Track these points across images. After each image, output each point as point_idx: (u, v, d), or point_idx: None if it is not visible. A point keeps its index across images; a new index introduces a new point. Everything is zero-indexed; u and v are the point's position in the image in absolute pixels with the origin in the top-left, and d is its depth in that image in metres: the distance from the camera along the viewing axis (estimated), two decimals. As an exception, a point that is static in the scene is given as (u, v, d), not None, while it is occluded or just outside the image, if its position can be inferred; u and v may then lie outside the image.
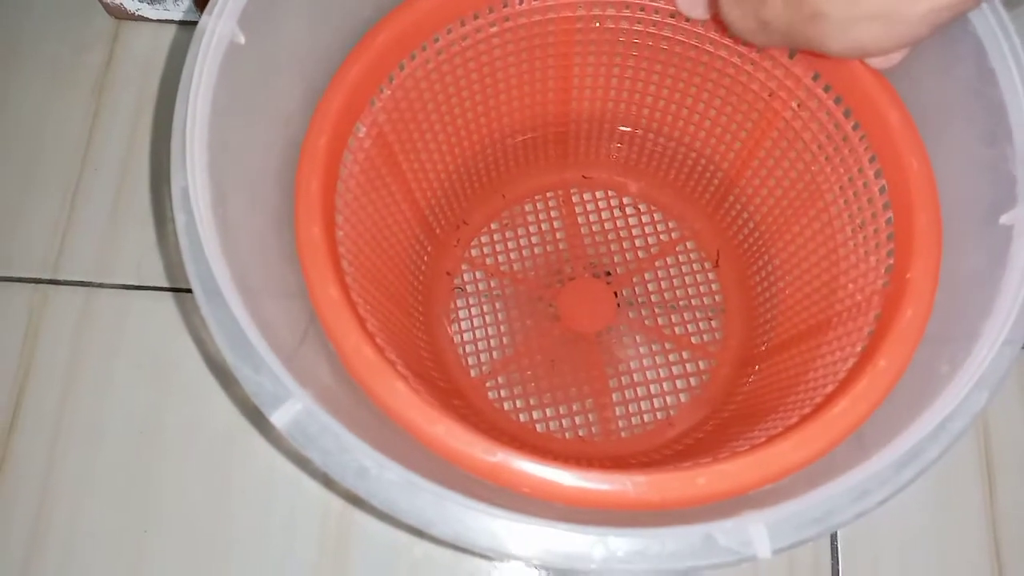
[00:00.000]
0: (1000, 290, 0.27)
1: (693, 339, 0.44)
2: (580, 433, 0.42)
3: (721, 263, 0.45)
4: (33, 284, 0.45)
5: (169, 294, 0.45)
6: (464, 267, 0.46)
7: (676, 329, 0.44)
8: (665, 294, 0.45)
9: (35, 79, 0.50)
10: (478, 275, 0.45)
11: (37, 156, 0.48)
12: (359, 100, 0.33)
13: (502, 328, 0.44)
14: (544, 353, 0.44)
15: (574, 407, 0.42)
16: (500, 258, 0.46)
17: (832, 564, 0.39)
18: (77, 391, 0.43)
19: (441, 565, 0.40)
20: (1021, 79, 0.28)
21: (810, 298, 0.38)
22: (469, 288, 0.45)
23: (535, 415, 0.42)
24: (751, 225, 0.43)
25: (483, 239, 0.46)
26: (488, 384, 0.43)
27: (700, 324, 0.44)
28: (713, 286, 0.45)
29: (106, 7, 0.50)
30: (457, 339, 0.44)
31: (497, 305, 0.45)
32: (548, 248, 0.46)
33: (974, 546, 0.40)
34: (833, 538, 0.40)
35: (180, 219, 0.26)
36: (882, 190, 0.32)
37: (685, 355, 0.43)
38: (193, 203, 0.26)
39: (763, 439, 0.28)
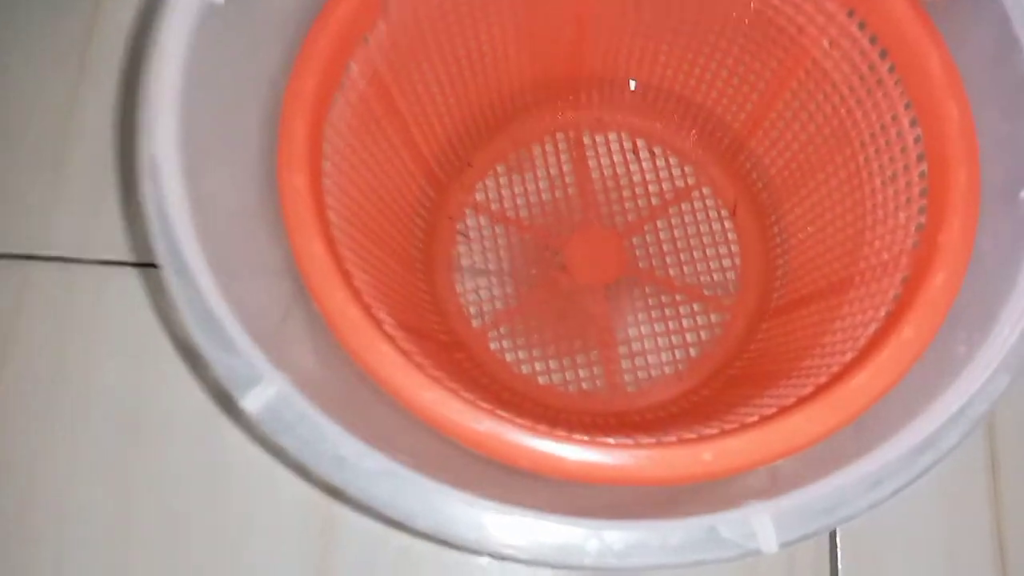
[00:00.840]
0: (1021, 268, 0.25)
1: (706, 291, 0.42)
2: (584, 386, 0.40)
3: (739, 212, 0.43)
4: (13, 259, 0.43)
5: (153, 270, 0.43)
6: (468, 212, 0.43)
7: (688, 280, 0.42)
8: (678, 243, 0.42)
9: (15, 49, 0.46)
10: (482, 221, 0.43)
11: (18, 128, 0.45)
12: (350, 36, 0.31)
13: (506, 277, 0.42)
14: (549, 303, 0.42)
15: (579, 359, 0.41)
16: (506, 203, 0.44)
17: (831, 559, 0.38)
18: (57, 368, 0.41)
19: (427, 554, 0.38)
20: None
21: (832, 252, 0.35)
22: (472, 235, 0.43)
23: (538, 367, 0.41)
24: (772, 171, 0.40)
25: (488, 183, 0.44)
26: (490, 335, 0.41)
27: (714, 276, 0.42)
28: (729, 235, 0.42)
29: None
30: (459, 288, 0.42)
31: (501, 253, 0.43)
32: (556, 194, 0.44)
33: (978, 541, 0.38)
34: (833, 532, 0.38)
35: (147, 189, 0.25)
36: (917, 140, 0.29)
37: (696, 308, 0.41)
38: (162, 172, 0.25)
39: (774, 409, 0.26)
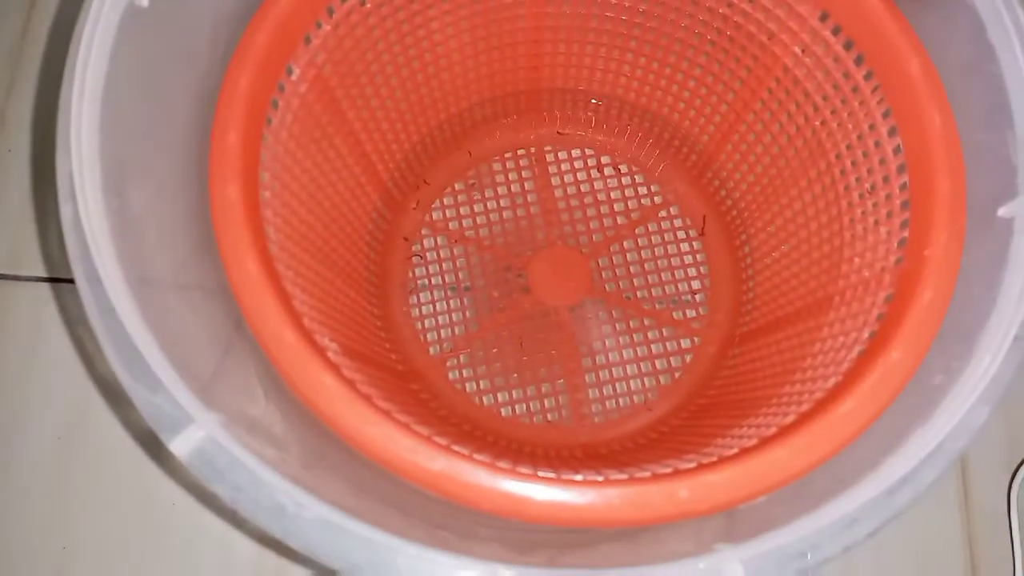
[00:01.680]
0: (1000, 292, 0.24)
1: (675, 315, 0.40)
2: (549, 417, 0.38)
3: (708, 230, 0.41)
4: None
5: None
6: (424, 232, 0.41)
7: (657, 304, 0.40)
8: (646, 264, 0.40)
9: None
10: (440, 241, 0.41)
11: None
12: (290, 35, 0.28)
13: (465, 301, 0.40)
14: (511, 329, 0.39)
15: (543, 389, 0.38)
16: (465, 222, 0.41)
17: None
18: None
19: None
20: (1024, 56, 0.25)
21: (808, 271, 0.34)
22: (430, 256, 0.41)
23: (500, 397, 0.38)
24: (743, 187, 0.39)
25: (446, 201, 0.42)
26: (449, 363, 0.39)
27: (683, 298, 0.40)
28: (698, 256, 0.41)
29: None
30: (415, 313, 0.40)
31: (460, 275, 0.40)
32: (518, 212, 0.41)
33: (949, 548, 0.37)
34: None
35: (66, 210, 0.23)
36: (897, 150, 0.28)
37: (666, 332, 0.39)
38: (79, 190, 0.23)
39: (755, 441, 0.24)
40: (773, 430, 0.24)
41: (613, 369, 0.39)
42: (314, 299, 0.29)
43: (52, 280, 0.40)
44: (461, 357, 0.39)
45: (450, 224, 0.41)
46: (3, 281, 0.39)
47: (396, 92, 0.36)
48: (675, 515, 0.22)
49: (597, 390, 0.38)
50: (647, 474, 0.24)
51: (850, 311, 0.28)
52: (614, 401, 0.38)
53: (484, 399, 0.38)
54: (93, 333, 0.22)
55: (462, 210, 0.41)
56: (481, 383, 0.38)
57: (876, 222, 0.29)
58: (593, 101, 0.41)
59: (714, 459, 0.24)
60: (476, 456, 0.23)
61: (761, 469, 0.22)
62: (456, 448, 0.24)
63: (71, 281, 0.39)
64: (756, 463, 0.22)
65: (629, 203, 0.41)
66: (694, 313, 0.40)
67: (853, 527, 0.21)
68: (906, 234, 0.27)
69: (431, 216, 0.41)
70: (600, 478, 0.24)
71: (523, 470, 0.23)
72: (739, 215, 0.39)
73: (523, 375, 0.38)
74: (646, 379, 0.38)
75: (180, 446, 0.21)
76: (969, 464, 0.38)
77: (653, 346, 0.39)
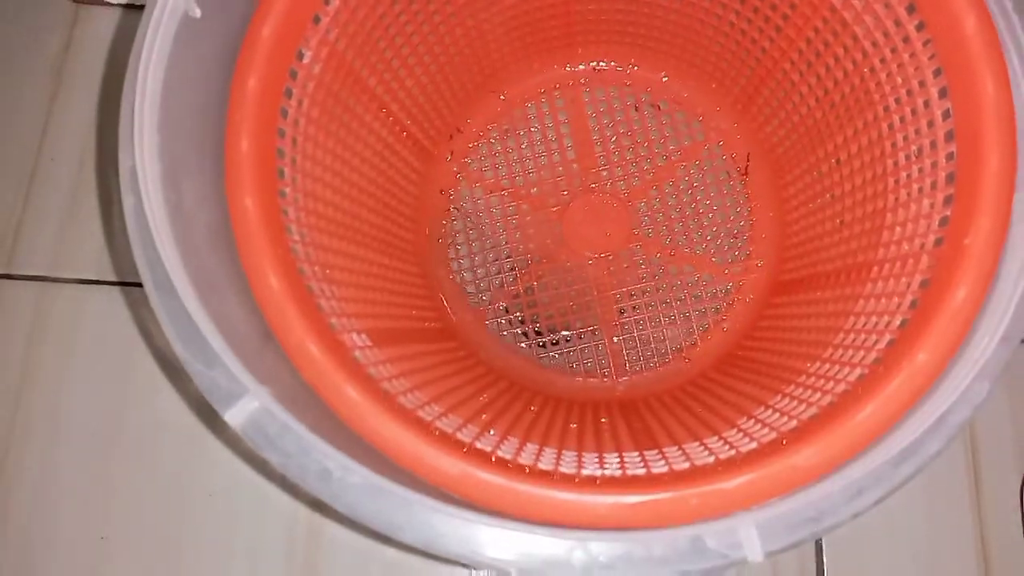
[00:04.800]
0: (1000, 277, 0.24)
1: (714, 259, 0.39)
2: (587, 366, 0.38)
3: (751, 170, 0.39)
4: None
5: (134, 289, 0.41)
6: (460, 183, 0.41)
7: (696, 249, 0.39)
8: (686, 209, 0.39)
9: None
10: (476, 192, 0.40)
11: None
12: (297, 19, 0.27)
13: (503, 252, 0.40)
14: (549, 278, 0.39)
15: (581, 338, 0.39)
16: (500, 171, 0.41)
17: (817, 569, 0.37)
18: (31, 390, 0.40)
19: (417, 567, 0.37)
20: (1019, 58, 0.24)
21: (850, 228, 0.32)
22: (466, 207, 0.40)
23: (538, 348, 0.39)
24: (789, 126, 0.37)
25: (480, 150, 0.41)
26: (487, 314, 0.39)
27: (723, 243, 0.39)
28: (740, 198, 0.39)
29: (65, -11, 0.44)
30: (455, 265, 0.40)
31: (497, 226, 0.40)
32: (554, 157, 0.40)
33: (962, 547, 0.37)
34: (818, 539, 0.37)
35: (128, 201, 0.24)
36: (946, 115, 0.26)
37: (705, 279, 0.39)
38: (141, 184, 0.24)
39: (773, 434, 0.24)
40: (793, 424, 0.25)
41: (650, 318, 0.39)
42: (343, 286, 0.30)
43: (93, 283, 0.41)
44: (499, 307, 0.39)
45: (485, 173, 0.41)
46: (45, 283, 0.41)
47: (419, 48, 0.35)
48: (686, 520, 0.22)
49: (634, 339, 0.38)
50: (664, 469, 0.25)
51: (886, 288, 0.27)
52: (651, 348, 0.38)
53: (522, 350, 0.39)
54: (152, 312, 0.24)
55: (497, 158, 0.41)
56: (518, 333, 0.39)
57: (920, 190, 0.27)
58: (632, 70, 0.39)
59: (732, 454, 0.24)
60: (497, 453, 0.25)
61: (771, 476, 0.22)
62: (478, 446, 0.25)
63: (112, 283, 0.41)
64: (766, 471, 0.22)
65: (669, 143, 0.40)
66: (734, 257, 0.39)
67: (861, 495, 0.22)
68: (949, 212, 0.25)
69: (466, 167, 0.41)
70: (619, 473, 0.25)
71: (542, 467, 0.25)
72: (784, 154, 0.37)
73: (560, 325, 0.39)
74: (683, 328, 0.38)
75: (235, 416, 0.23)
76: (980, 465, 0.38)
77: (692, 295, 0.39)
